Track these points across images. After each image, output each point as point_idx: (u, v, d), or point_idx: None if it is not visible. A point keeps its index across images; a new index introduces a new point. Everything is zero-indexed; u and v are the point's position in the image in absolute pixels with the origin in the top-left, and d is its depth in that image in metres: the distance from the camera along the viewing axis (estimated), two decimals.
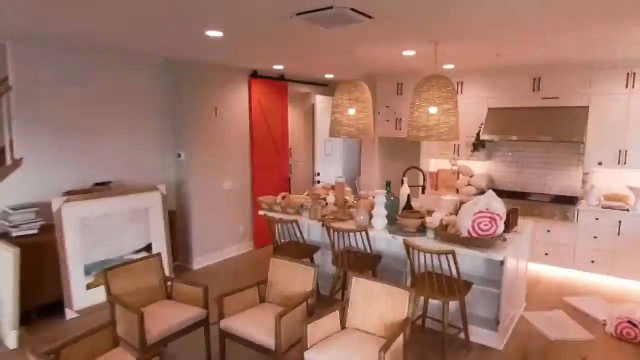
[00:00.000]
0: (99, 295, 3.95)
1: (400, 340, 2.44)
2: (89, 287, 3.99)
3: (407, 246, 3.21)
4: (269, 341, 2.67)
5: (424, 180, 5.46)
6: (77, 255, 3.91)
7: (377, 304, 2.71)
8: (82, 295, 3.94)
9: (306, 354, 2.52)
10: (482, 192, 4.67)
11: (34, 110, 3.93)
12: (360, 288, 2.79)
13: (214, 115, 5.28)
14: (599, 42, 3.61)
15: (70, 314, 3.85)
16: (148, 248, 4.48)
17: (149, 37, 3.57)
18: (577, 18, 2.85)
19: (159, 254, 3.37)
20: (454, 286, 3.10)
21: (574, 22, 2.93)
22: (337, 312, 2.77)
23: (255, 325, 2.80)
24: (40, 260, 3.71)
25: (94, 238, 4.05)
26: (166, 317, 2.90)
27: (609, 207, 4.77)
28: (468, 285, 3.23)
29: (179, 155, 5.15)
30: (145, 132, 4.90)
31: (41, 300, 3.77)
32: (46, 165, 4.05)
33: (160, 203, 4.60)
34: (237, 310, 2.99)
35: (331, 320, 2.72)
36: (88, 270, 3.99)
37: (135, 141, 4.81)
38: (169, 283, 3.29)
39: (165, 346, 2.86)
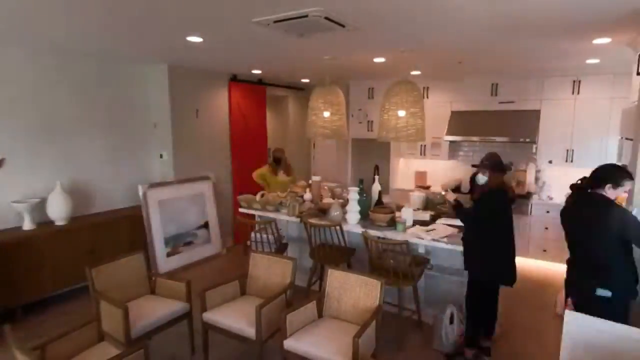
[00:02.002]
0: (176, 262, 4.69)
1: (372, 326, 2.47)
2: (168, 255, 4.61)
3: (365, 237, 3.27)
4: (250, 331, 2.65)
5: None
6: (158, 230, 4.50)
7: (351, 293, 2.73)
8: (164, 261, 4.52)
9: (285, 342, 2.52)
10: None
11: (13, 110, 3.77)
12: (335, 279, 2.81)
13: (195, 117, 5.19)
14: (546, 53, 3.75)
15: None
16: (206, 225, 5.12)
17: (131, 41, 3.48)
18: (523, 33, 2.95)
19: (142, 251, 3.29)
20: (409, 273, 3.18)
21: (521, 36, 3.04)
22: (314, 302, 2.78)
23: (236, 316, 2.78)
24: (24, 259, 3.56)
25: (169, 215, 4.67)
26: (150, 311, 2.84)
27: (558, 201, 4.96)
28: (421, 270, 3.32)
29: (161, 156, 5.04)
30: (128, 132, 4.77)
31: (25, 298, 3.62)
32: (28, 165, 3.89)
33: (212, 189, 5.19)
34: (219, 303, 2.95)
35: (308, 309, 2.73)
36: (166, 242, 4.60)
37: (118, 141, 4.67)
38: (153, 278, 3.23)
39: (149, 339, 2.80)
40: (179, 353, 3.14)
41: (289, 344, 2.50)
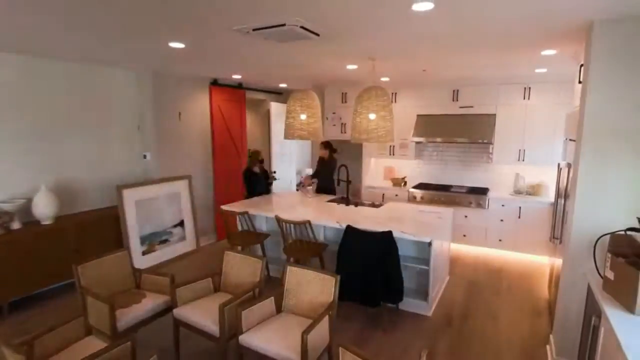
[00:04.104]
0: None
1: (325, 320, 2.39)
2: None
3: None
4: (214, 329, 2.54)
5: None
6: (134, 229, 4.35)
7: (308, 289, 2.66)
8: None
9: (240, 338, 2.43)
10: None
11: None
12: (294, 275, 2.73)
13: (178, 119, 5.08)
14: (500, 63, 3.88)
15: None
16: (181, 223, 4.97)
17: (116, 46, 3.37)
18: (481, 45, 3.04)
19: (127, 249, 3.21)
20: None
21: (478, 48, 3.13)
22: (272, 298, 2.69)
23: (203, 313, 2.66)
24: (11, 258, 3.41)
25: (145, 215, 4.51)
26: (135, 306, 2.77)
27: (511, 196, 5.15)
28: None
29: (145, 156, 4.91)
30: (112, 134, 4.61)
31: (11, 296, 3.47)
32: (14, 166, 3.71)
33: (188, 188, 5.02)
34: (191, 299, 2.85)
35: (266, 305, 2.63)
36: (142, 241, 4.45)
37: (103, 143, 4.52)
38: (138, 274, 3.15)
39: (135, 332, 2.73)
40: (164, 345, 3.07)
41: (244, 339, 2.42)
